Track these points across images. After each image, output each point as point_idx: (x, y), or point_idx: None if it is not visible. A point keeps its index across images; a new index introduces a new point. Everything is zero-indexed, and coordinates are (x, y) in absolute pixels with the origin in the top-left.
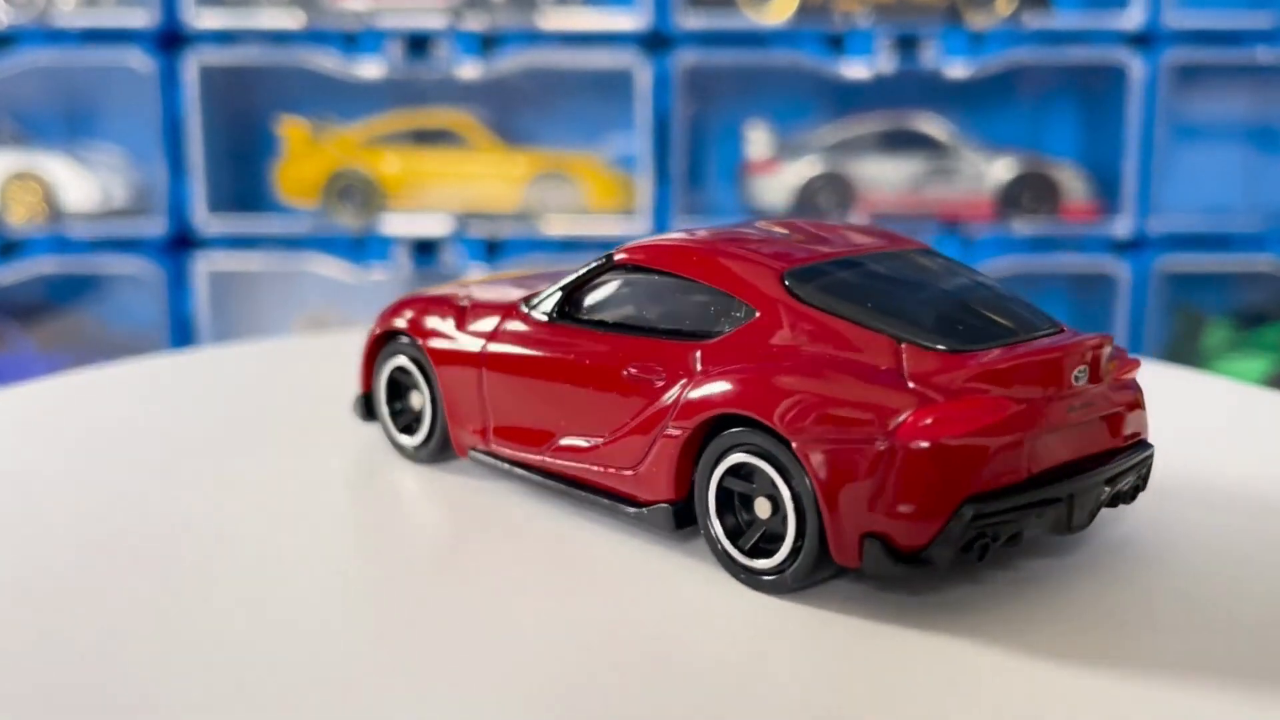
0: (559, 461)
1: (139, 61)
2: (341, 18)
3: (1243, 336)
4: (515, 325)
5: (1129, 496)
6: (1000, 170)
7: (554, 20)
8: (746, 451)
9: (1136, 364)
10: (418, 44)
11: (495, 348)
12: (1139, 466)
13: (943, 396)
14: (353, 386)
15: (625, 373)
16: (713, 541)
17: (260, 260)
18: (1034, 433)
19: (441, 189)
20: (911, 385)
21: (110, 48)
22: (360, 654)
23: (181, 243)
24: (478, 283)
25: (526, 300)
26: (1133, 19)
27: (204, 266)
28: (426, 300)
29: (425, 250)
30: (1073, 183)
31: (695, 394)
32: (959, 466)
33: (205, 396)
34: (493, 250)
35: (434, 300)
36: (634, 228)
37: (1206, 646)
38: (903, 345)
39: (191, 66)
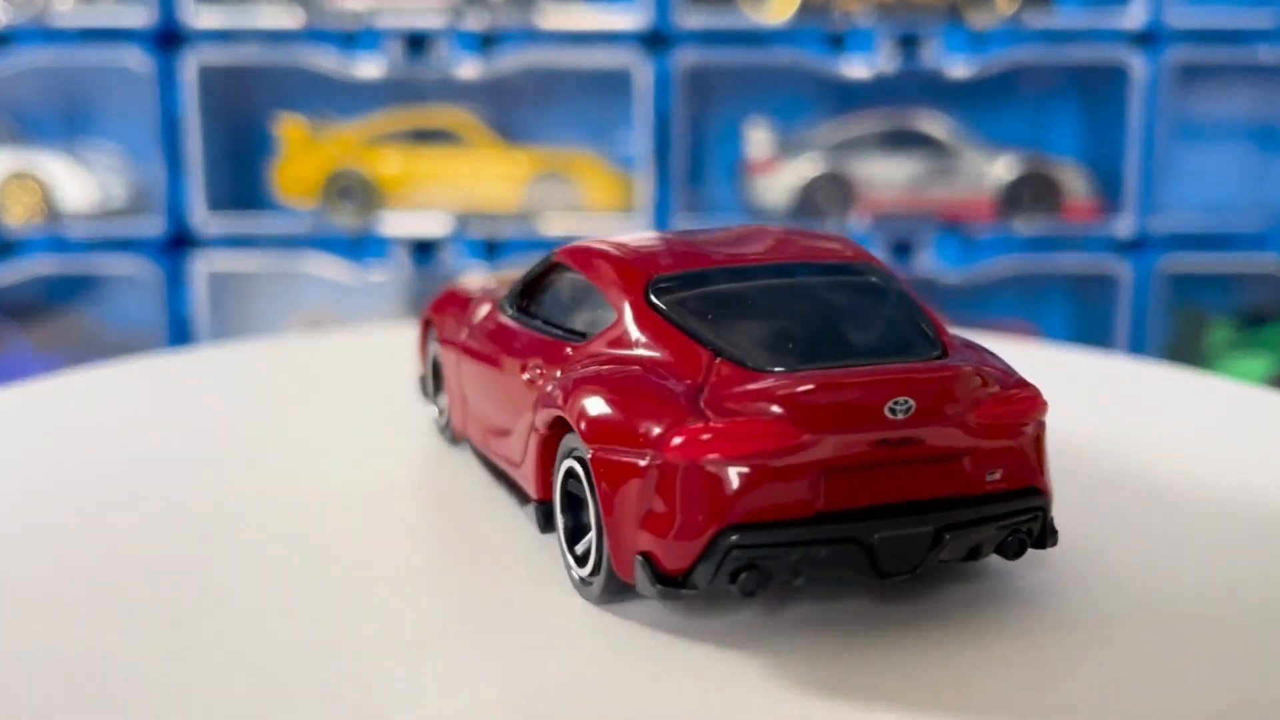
0: (490, 452)
1: (137, 61)
2: (340, 17)
3: (1245, 336)
4: (486, 318)
5: (1011, 550)
6: (1001, 170)
7: (553, 19)
8: (574, 457)
9: (1033, 405)
10: (417, 43)
11: (466, 338)
12: (1006, 519)
13: (726, 416)
14: (351, 384)
15: (525, 369)
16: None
17: (259, 260)
18: (826, 465)
19: (441, 188)
20: (702, 403)
21: (108, 47)
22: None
23: (180, 242)
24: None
25: (507, 294)
26: (1135, 18)
27: (202, 266)
28: (460, 288)
29: (424, 250)
30: (1074, 182)
31: (547, 395)
32: (719, 491)
33: (204, 396)
34: (492, 250)
35: (463, 289)
36: (634, 227)
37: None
38: (717, 361)
39: (190, 66)
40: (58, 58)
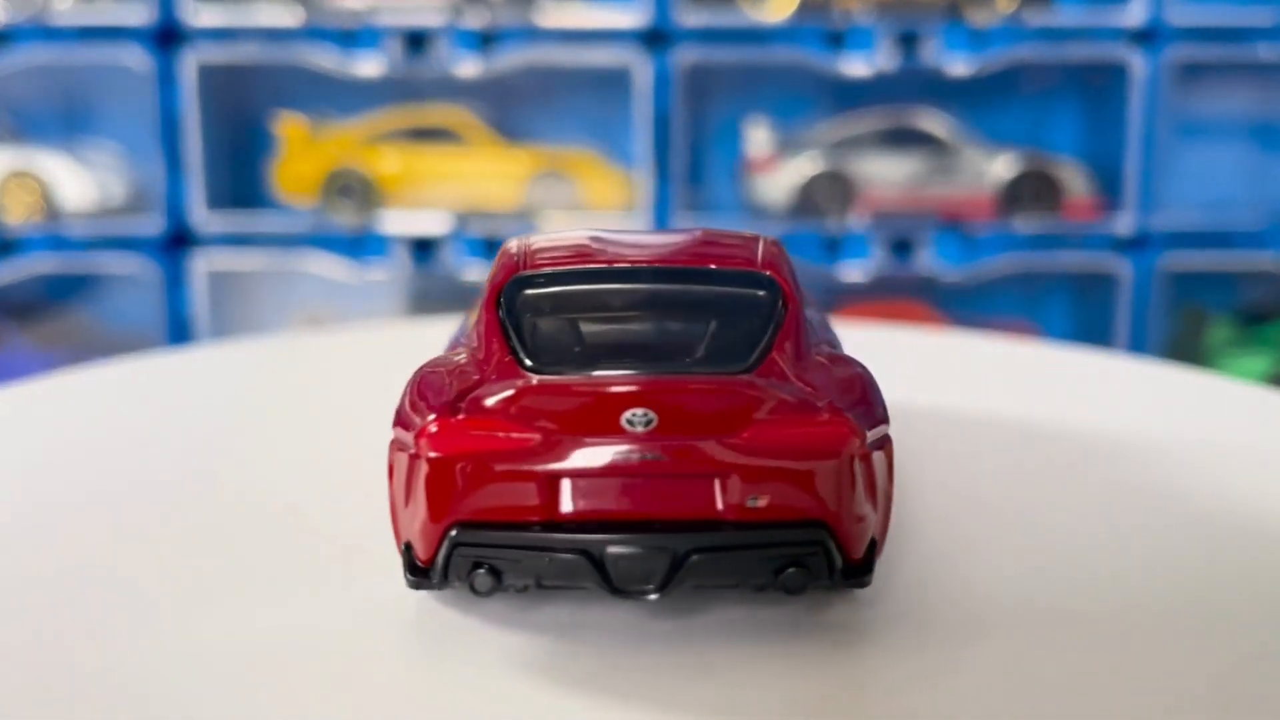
0: None
1: (136, 59)
2: (340, 15)
3: (1245, 334)
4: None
5: (791, 584)
6: (1001, 168)
7: (553, 17)
8: None
9: (824, 437)
10: (416, 41)
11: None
12: (770, 549)
13: (471, 413)
14: (351, 383)
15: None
16: None
17: (258, 258)
18: (558, 472)
19: (440, 187)
20: (466, 399)
21: (107, 45)
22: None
23: (179, 241)
24: None
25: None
26: (1134, 16)
27: (202, 265)
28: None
29: (424, 249)
30: (1074, 180)
31: None
32: (451, 486)
33: (203, 395)
34: (492, 249)
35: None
36: (634, 225)
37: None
38: (507, 360)
39: (189, 64)
40: (57, 56)
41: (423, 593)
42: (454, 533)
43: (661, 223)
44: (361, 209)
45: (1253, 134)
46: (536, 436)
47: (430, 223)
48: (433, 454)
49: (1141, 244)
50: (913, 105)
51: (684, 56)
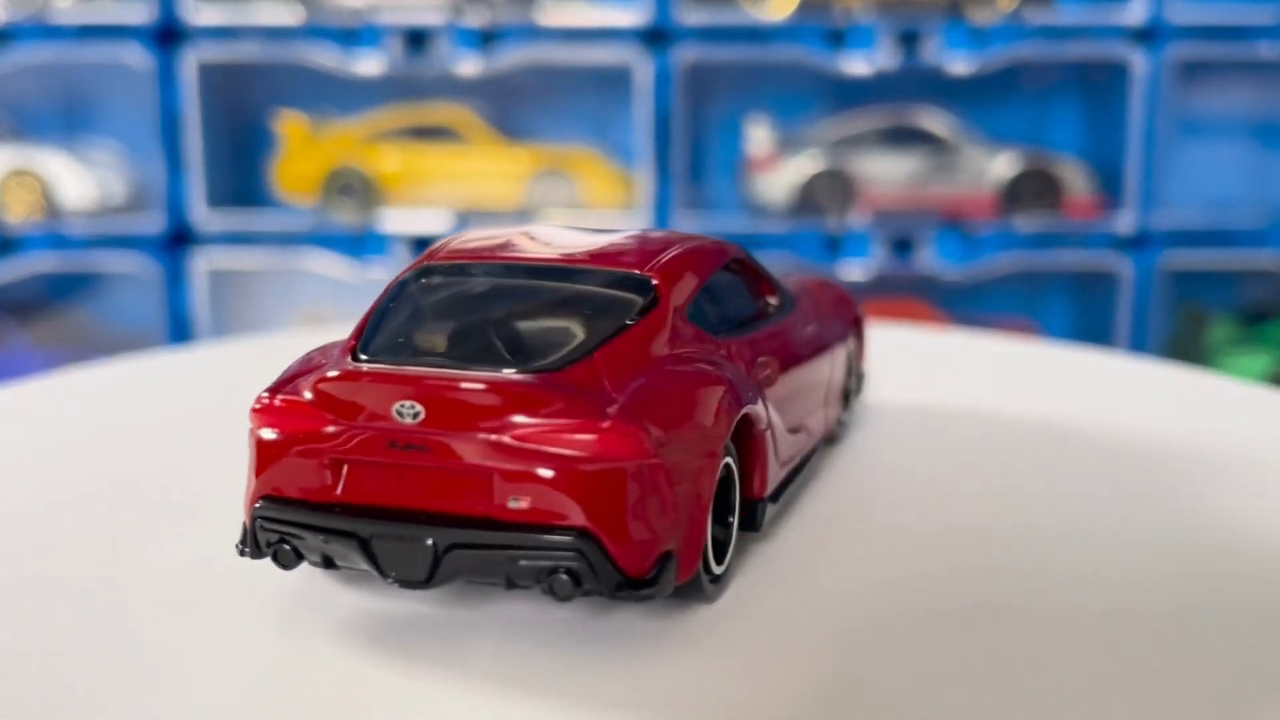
0: None
1: (137, 58)
2: (340, 13)
3: (1246, 333)
4: None
5: (557, 590)
6: (1002, 166)
7: (554, 15)
8: None
9: (592, 444)
10: (417, 39)
11: None
12: (525, 551)
13: (289, 395)
14: None
15: None
16: None
17: (259, 257)
18: (340, 456)
19: (441, 185)
20: (299, 382)
21: (108, 44)
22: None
23: (179, 239)
24: None
25: None
26: (1135, 14)
27: (202, 263)
28: None
29: (425, 247)
30: (1075, 179)
31: None
32: (260, 461)
33: (204, 394)
34: None
35: None
36: (634, 224)
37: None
38: (349, 346)
39: (189, 63)
40: (57, 55)
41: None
42: (258, 505)
43: (662, 222)
44: (362, 208)
45: (1253, 133)
46: (325, 421)
47: (431, 221)
48: (251, 429)
49: (1142, 243)
50: (913, 104)
51: (684, 55)
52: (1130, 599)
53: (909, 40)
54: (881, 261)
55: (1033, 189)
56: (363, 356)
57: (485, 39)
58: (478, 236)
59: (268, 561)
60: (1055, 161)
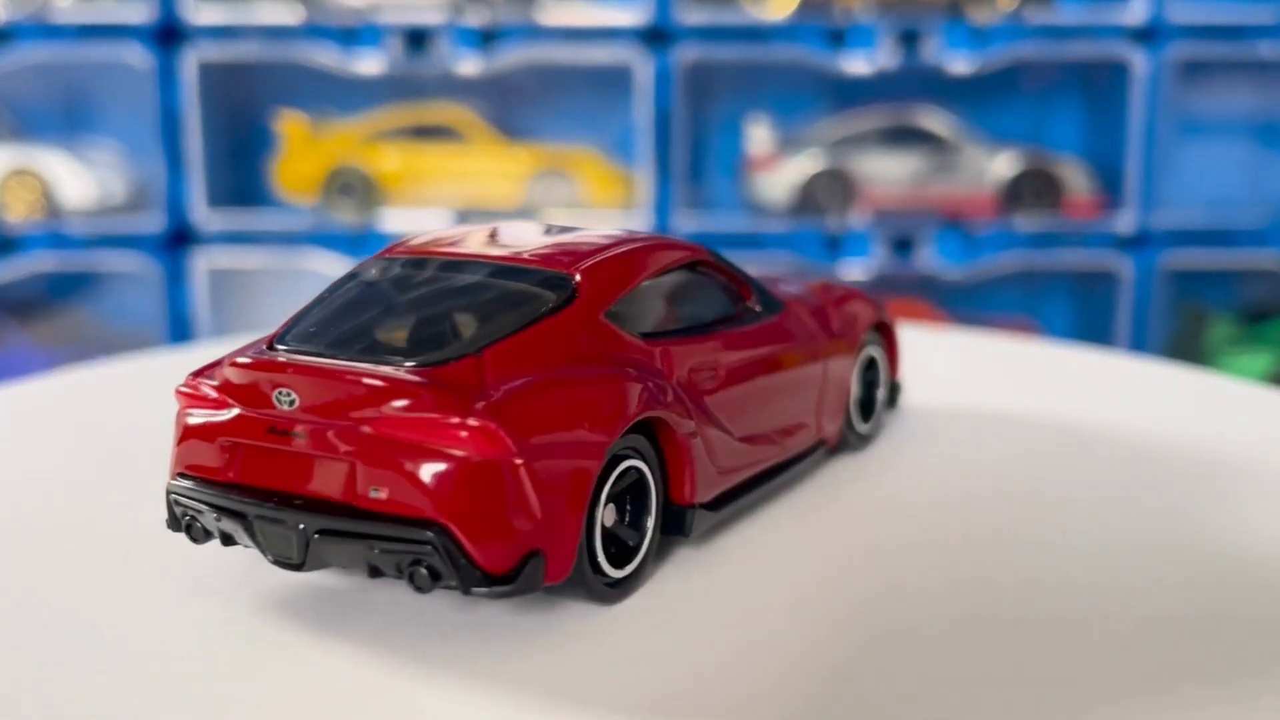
0: None
1: (137, 57)
2: (340, 13)
3: (1247, 332)
4: None
5: (417, 582)
6: (1002, 166)
7: (554, 15)
8: None
9: (446, 438)
10: (417, 39)
11: None
12: (382, 542)
13: (204, 376)
14: None
15: None
16: None
17: (259, 256)
18: (230, 436)
19: (441, 185)
20: (217, 366)
21: (108, 43)
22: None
23: (180, 239)
24: None
25: None
26: (1136, 14)
27: (202, 263)
28: None
29: None
30: (1076, 178)
31: None
32: (178, 439)
33: None
34: None
35: None
36: (634, 223)
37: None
38: (273, 334)
39: (190, 62)
40: (58, 54)
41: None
42: (171, 482)
43: (662, 221)
44: (362, 207)
45: (1254, 132)
46: (225, 404)
47: (431, 221)
48: (180, 410)
49: (1142, 242)
50: (914, 103)
51: (685, 55)
52: (1130, 601)
53: (909, 40)
54: (882, 261)
55: (1033, 189)
56: (278, 345)
57: (485, 39)
58: (440, 233)
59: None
60: (1056, 161)
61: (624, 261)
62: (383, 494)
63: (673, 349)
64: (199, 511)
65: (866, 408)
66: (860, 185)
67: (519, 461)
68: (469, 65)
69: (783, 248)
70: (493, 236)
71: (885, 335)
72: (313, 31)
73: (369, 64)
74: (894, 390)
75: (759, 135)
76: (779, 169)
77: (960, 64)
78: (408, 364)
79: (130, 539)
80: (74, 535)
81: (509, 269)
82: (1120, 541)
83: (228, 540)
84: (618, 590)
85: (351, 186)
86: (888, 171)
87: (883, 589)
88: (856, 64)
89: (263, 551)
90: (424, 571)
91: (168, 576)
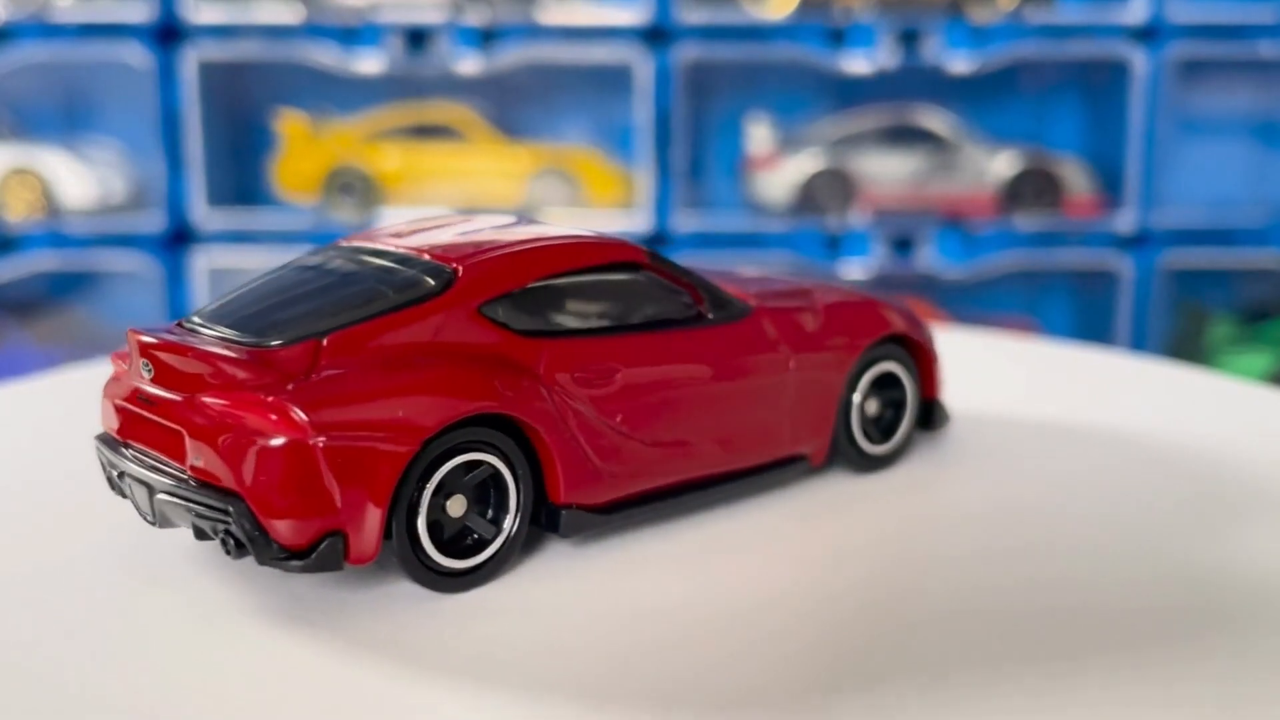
0: None
1: (137, 56)
2: (340, 12)
3: (1246, 332)
4: None
5: (226, 548)
6: (1003, 165)
7: (554, 14)
8: None
9: (248, 418)
10: (417, 38)
11: None
12: (196, 506)
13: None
14: None
15: None
16: None
17: (259, 255)
18: (120, 400)
19: (441, 184)
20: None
21: (108, 42)
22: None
23: (180, 238)
24: None
25: None
26: (1136, 13)
27: (202, 262)
28: None
29: None
30: (1076, 178)
31: None
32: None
33: None
34: None
35: None
36: (634, 223)
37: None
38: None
39: (190, 61)
40: (58, 53)
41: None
42: (95, 438)
43: (661, 220)
44: (362, 206)
45: (1254, 131)
46: (123, 371)
47: None
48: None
49: (1142, 241)
50: (914, 103)
51: (685, 54)
52: (1130, 600)
53: (909, 39)
54: (882, 260)
55: (1033, 188)
56: (187, 321)
57: (485, 38)
58: (393, 223)
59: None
60: (1056, 160)
61: (517, 258)
62: (200, 463)
63: (562, 349)
64: (102, 468)
65: (890, 427)
66: (860, 184)
67: (316, 443)
68: (469, 64)
69: (783, 247)
70: (431, 229)
71: (914, 351)
72: (313, 31)
73: (369, 63)
74: (931, 411)
75: (759, 134)
76: (779, 168)
77: (960, 63)
78: (251, 344)
79: (130, 538)
80: (74, 535)
81: (407, 259)
82: (1111, 536)
83: (121, 494)
84: (458, 580)
85: (351, 186)
86: (888, 171)
87: (786, 597)
88: (857, 63)
89: (136, 508)
90: (231, 540)
91: (165, 577)
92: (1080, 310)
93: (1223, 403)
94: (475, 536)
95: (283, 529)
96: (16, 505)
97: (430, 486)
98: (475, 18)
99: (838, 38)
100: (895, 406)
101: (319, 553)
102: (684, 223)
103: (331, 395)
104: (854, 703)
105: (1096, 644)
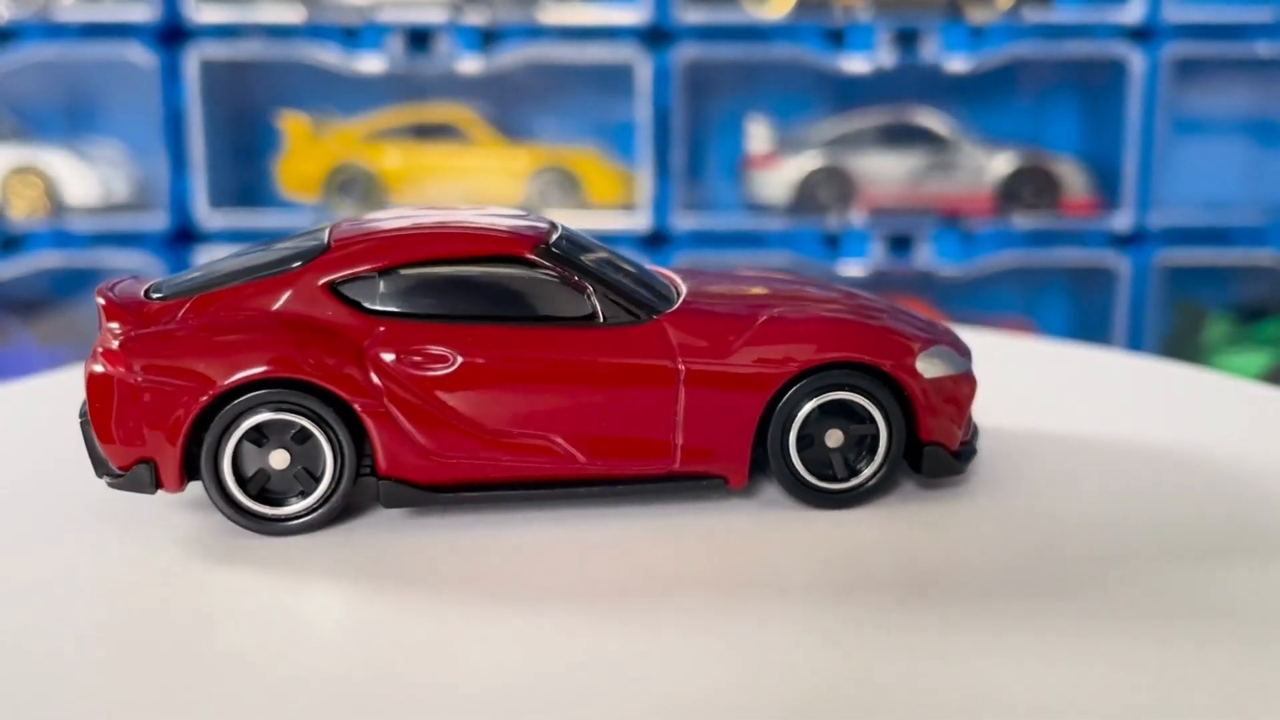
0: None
1: (140, 56)
2: (342, 12)
3: (1243, 331)
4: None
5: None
6: (1000, 164)
7: (554, 15)
8: None
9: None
10: (418, 38)
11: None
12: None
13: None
14: None
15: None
16: None
17: None
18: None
19: (442, 184)
20: None
21: (111, 42)
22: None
23: (182, 237)
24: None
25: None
26: (1132, 13)
27: (205, 261)
28: None
29: None
30: (1073, 177)
31: None
32: None
33: None
34: None
35: None
36: (634, 222)
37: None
38: None
39: (192, 61)
40: (61, 53)
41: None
42: None
43: (661, 218)
44: (363, 206)
45: (1250, 131)
46: None
47: None
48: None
49: (1139, 240)
50: (912, 102)
51: (684, 54)
52: (1129, 598)
53: (907, 39)
54: (880, 259)
55: (1031, 187)
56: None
57: (486, 38)
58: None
59: (261, 545)
60: (1053, 160)
61: (383, 242)
62: (85, 396)
63: (397, 330)
64: None
65: (856, 461)
66: (859, 183)
67: (132, 382)
68: (470, 64)
69: (782, 246)
70: (401, 215)
71: (898, 385)
72: (315, 31)
73: (371, 63)
74: (925, 453)
75: (758, 134)
76: (778, 167)
77: (958, 63)
78: (153, 299)
79: (131, 537)
80: (74, 535)
81: (322, 240)
82: (1109, 535)
83: None
84: (271, 525)
85: (353, 185)
86: (886, 170)
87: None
88: (855, 63)
89: None
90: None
91: (168, 575)
92: (1077, 309)
93: (1218, 400)
94: (301, 490)
95: (110, 451)
96: (17, 505)
97: (235, 435)
98: (476, 18)
99: (836, 38)
100: (857, 439)
101: (131, 475)
102: (683, 222)
103: (158, 343)
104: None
105: (1086, 642)
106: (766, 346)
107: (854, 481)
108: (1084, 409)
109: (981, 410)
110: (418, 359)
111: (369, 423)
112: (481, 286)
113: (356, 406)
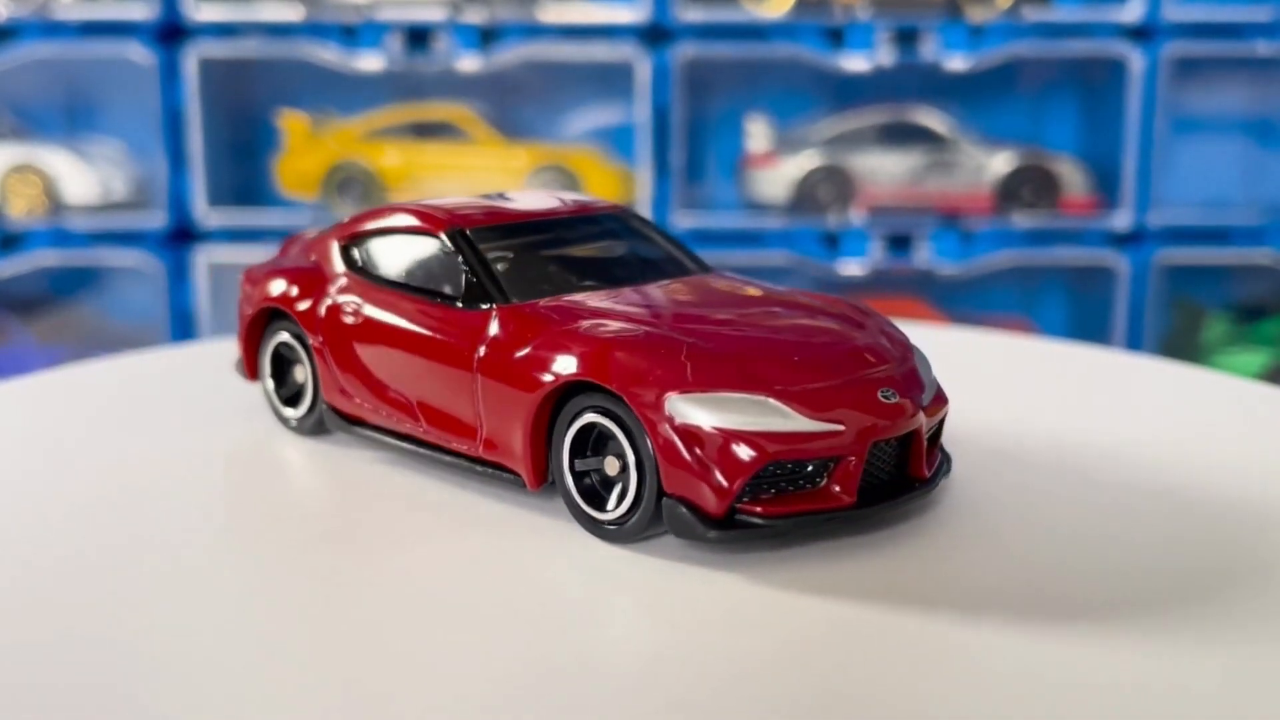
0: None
1: (139, 54)
2: (341, 10)
3: (1242, 330)
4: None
5: None
6: (1000, 163)
7: (554, 13)
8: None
9: None
10: (417, 37)
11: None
12: None
13: None
14: None
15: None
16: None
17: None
18: None
19: (441, 182)
20: None
21: (110, 40)
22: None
23: (182, 236)
24: None
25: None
26: (1132, 12)
27: (204, 260)
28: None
29: None
30: (1072, 176)
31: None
32: None
33: (207, 389)
34: None
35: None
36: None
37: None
38: None
39: (191, 59)
40: (60, 51)
41: None
42: None
43: (660, 217)
44: (363, 204)
45: (1250, 130)
46: None
47: None
48: None
49: (1138, 239)
50: (911, 101)
51: (683, 52)
52: (1129, 596)
53: (907, 38)
54: (879, 258)
55: (1030, 186)
56: None
57: (486, 36)
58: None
59: (252, 543)
60: (1052, 159)
61: (366, 214)
62: None
63: (350, 286)
64: None
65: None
66: (858, 182)
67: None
68: (469, 63)
69: (781, 245)
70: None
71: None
72: (314, 29)
73: (370, 61)
74: (663, 506)
75: (758, 133)
76: (778, 166)
77: (957, 62)
78: None
79: (133, 535)
80: (74, 534)
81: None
82: (1108, 535)
83: None
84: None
85: (352, 184)
86: (885, 168)
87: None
88: (854, 62)
89: None
90: None
91: (171, 572)
92: (1076, 308)
93: (1217, 399)
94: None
95: None
96: (17, 505)
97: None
98: (475, 16)
99: (836, 36)
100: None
101: None
102: (682, 220)
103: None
104: None
105: (1084, 640)
106: (544, 353)
107: (613, 515)
108: (1082, 408)
109: (981, 409)
110: (349, 311)
111: (314, 350)
112: (413, 260)
113: (306, 335)
